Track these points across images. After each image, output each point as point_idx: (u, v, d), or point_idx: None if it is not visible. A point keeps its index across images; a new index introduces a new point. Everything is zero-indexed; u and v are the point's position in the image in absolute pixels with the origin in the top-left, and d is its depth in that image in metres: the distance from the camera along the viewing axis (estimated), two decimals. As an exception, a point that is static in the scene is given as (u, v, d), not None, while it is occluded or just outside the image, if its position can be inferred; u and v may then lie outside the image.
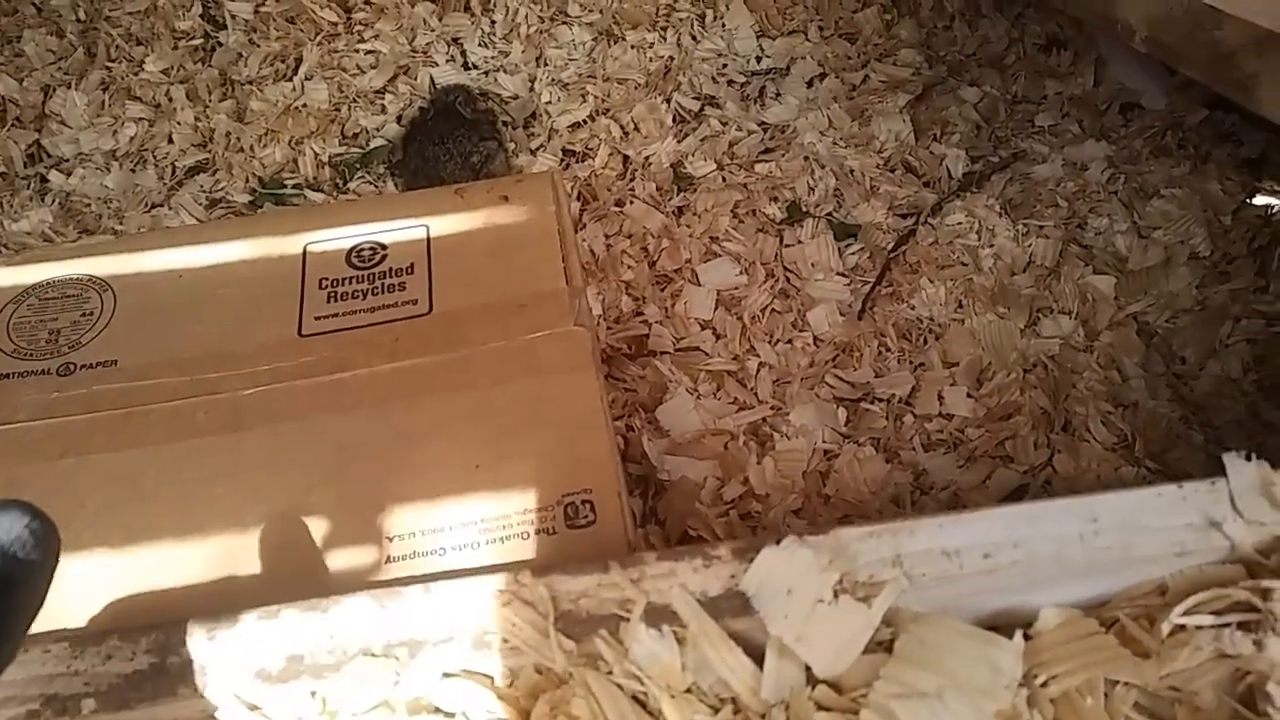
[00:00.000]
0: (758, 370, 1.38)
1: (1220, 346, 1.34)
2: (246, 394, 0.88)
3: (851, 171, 1.67)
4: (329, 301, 0.98)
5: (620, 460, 0.89)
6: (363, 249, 1.02)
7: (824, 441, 1.25)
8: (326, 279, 0.99)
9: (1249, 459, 0.63)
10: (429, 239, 1.03)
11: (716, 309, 1.46)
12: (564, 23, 1.97)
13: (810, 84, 1.88)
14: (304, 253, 1.01)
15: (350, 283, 0.99)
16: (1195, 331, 1.35)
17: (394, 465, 0.84)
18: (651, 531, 1.18)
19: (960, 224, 1.53)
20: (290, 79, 1.75)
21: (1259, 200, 1.49)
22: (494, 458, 0.84)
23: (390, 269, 1.00)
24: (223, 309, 0.96)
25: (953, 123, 1.76)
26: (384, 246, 1.02)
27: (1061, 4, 1.51)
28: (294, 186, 1.60)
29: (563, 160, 1.70)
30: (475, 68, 1.86)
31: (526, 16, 1.96)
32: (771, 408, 1.32)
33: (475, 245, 1.03)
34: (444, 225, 1.05)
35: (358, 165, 1.63)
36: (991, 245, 1.49)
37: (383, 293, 0.98)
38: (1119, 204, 1.53)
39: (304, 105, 1.70)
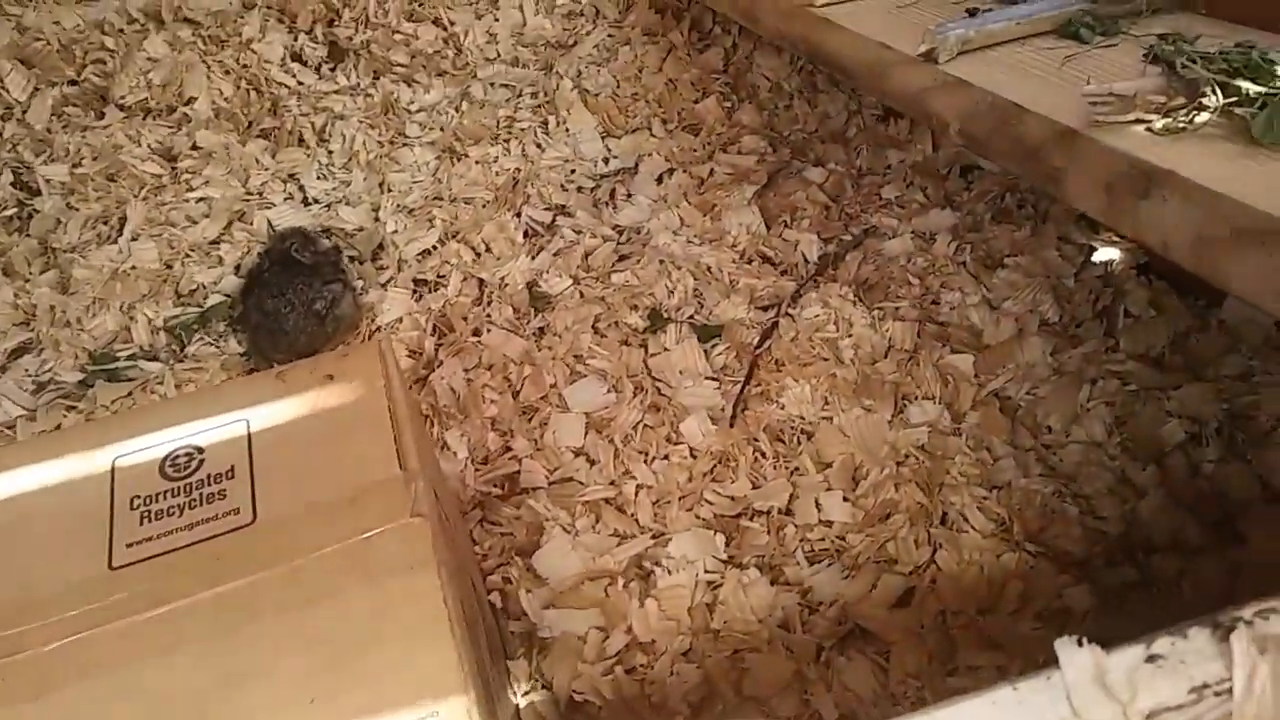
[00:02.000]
0: (636, 493, 1.34)
1: (1082, 412, 1.36)
2: (50, 650, 0.79)
3: (709, 269, 1.66)
4: (142, 523, 0.89)
5: (478, 660, 0.83)
6: (177, 456, 0.94)
7: (706, 571, 1.21)
8: (139, 497, 0.91)
9: (1080, 644, 0.60)
10: (249, 435, 0.96)
11: (587, 433, 1.42)
12: (404, 145, 1.93)
13: (660, 180, 1.88)
14: (112, 469, 0.93)
15: (165, 498, 0.91)
16: (1056, 400, 1.37)
17: (219, 716, 0.76)
18: (540, 700, 1.11)
19: (818, 316, 1.52)
20: (115, 240, 1.66)
21: (1098, 258, 1.53)
22: (330, 689, 0.77)
23: (209, 475, 0.93)
24: (23, 550, 0.87)
25: (801, 207, 1.77)
26: (200, 450, 0.95)
27: (881, 97, 1.54)
28: (128, 358, 1.50)
29: (415, 292, 1.64)
30: (316, 202, 1.80)
31: (364, 143, 1.91)
32: (652, 536, 1.27)
33: (300, 436, 0.96)
34: (265, 416, 0.98)
35: (195, 327, 1.55)
36: (850, 335, 1.49)
37: (201, 504, 0.91)
38: (968, 275, 1.55)
39: (133, 268, 1.62)
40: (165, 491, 0.94)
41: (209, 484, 0.95)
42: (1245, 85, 0.96)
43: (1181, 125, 0.97)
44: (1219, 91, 0.96)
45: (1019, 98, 1.11)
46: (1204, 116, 0.96)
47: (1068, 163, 1.04)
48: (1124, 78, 1.08)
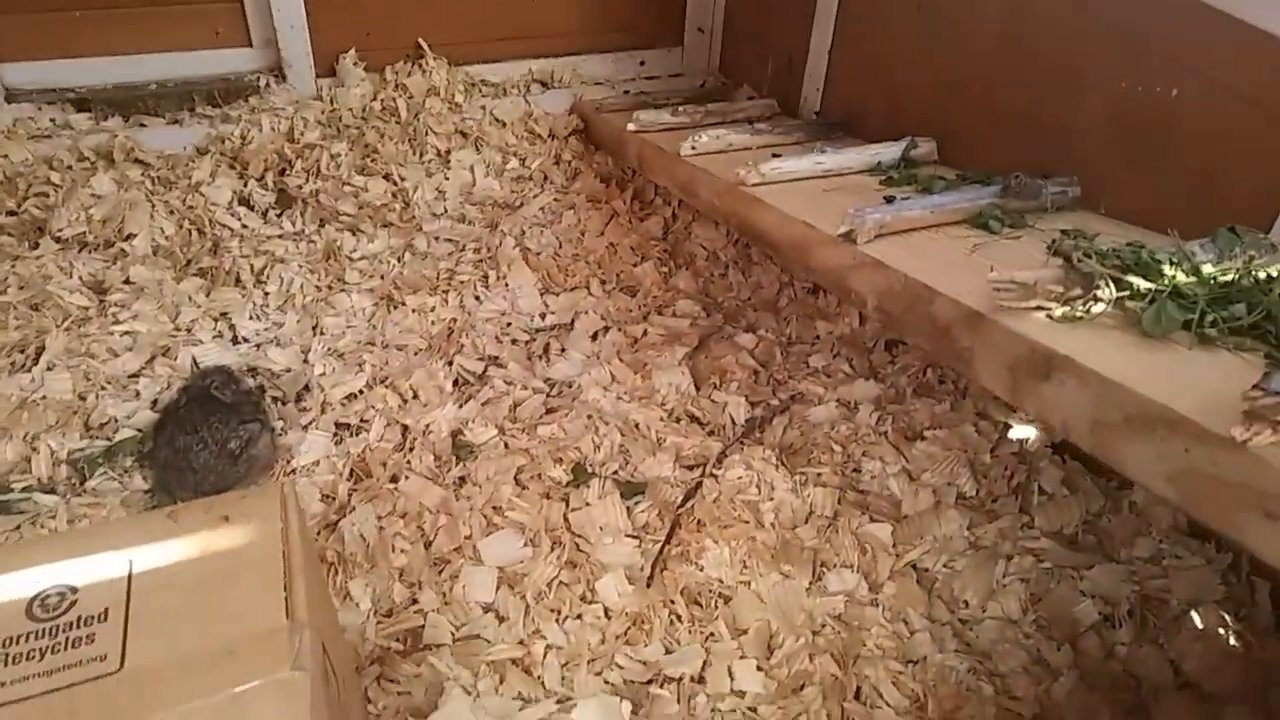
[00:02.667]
0: (544, 654, 1.28)
1: (998, 587, 1.36)
2: None
3: (637, 425, 1.67)
4: (1, 666, 0.83)
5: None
6: (48, 596, 0.89)
7: (611, 742, 1.15)
8: (0, 639, 0.85)
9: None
10: (130, 576, 0.91)
11: (499, 589, 1.37)
12: (342, 290, 1.94)
13: (595, 337, 1.91)
14: (-25, 608, 0.87)
15: (27, 640, 0.85)
16: (972, 574, 1.37)
17: None
18: None
19: (741, 478, 1.52)
20: (29, 369, 1.62)
21: (1014, 434, 1.58)
22: None
23: (79, 618, 0.87)
24: None
25: (731, 370, 1.80)
26: (74, 590, 0.89)
27: (805, 272, 1.61)
28: (23, 490, 1.44)
29: (335, 435, 1.61)
30: (245, 341, 1.79)
31: (302, 286, 1.92)
32: (557, 701, 1.21)
33: (185, 579, 0.92)
34: (150, 557, 0.93)
35: (100, 460, 1.49)
36: (772, 498, 1.49)
37: (66, 649, 0.85)
38: (889, 445, 1.58)
39: (43, 398, 1.57)
40: (30, 633, 0.88)
41: (77, 627, 0.89)
42: (1136, 281, 1.03)
43: (1079, 314, 1.02)
44: (1112, 285, 1.02)
45: (930, 280, 1.17)
46: (1099, 307, 1.02)
47: (974, 343, 1.08)
48: (1027, 267, 1.14)
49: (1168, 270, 1.04)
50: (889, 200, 1.41)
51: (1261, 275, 1.05)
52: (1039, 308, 1.05)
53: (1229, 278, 1.05)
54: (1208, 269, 1.06)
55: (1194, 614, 1.31)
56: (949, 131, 1.75)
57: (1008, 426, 1.59)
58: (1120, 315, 1.03)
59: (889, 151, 1.71)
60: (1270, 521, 0.78)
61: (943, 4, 1.77)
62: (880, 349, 1.88)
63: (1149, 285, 1.03)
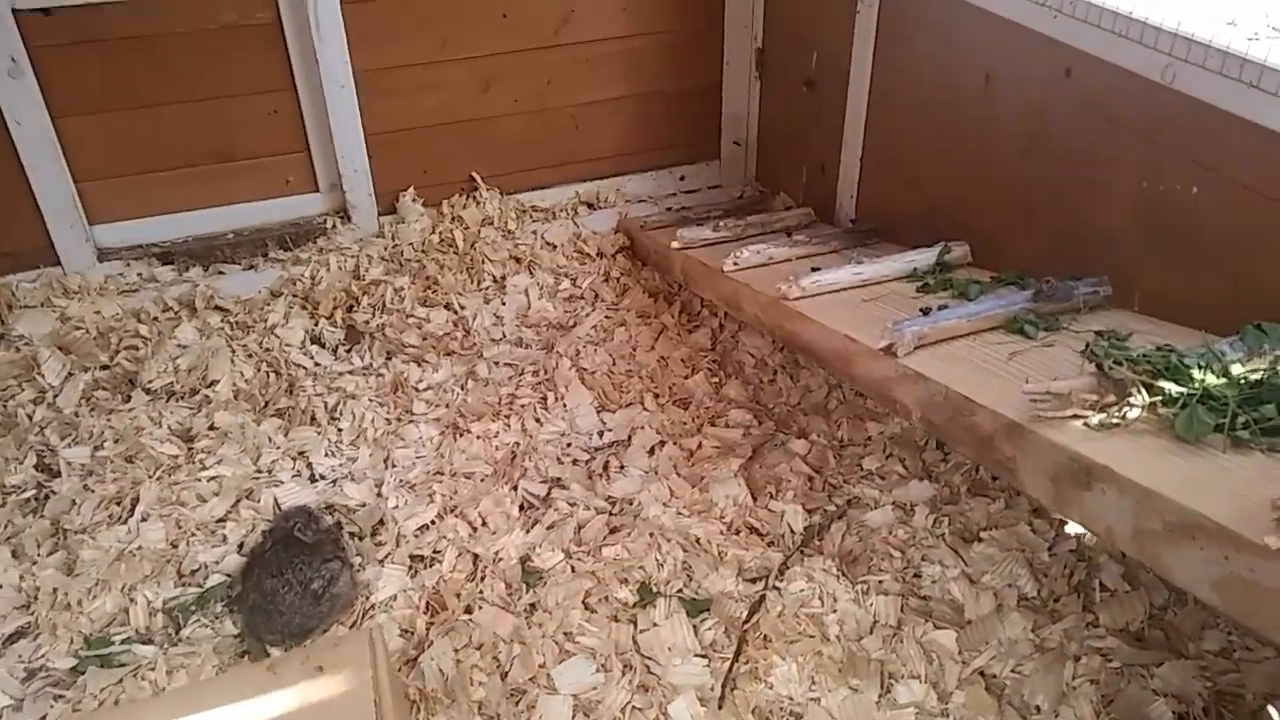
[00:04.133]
0: (626, 786, 1.31)
1: (1068, 690, 1.36)
2: None
3: (698, 540, 1.71)
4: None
5: None
6: (160, 757, 0.96)
7: None
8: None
9: None
10: (234, 733, 0.98)
11: (575, 717, 1.41)
12: (410, 422, 2.04)
13: (651, 452, 1.96)
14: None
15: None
16: (1041, 678, 1.37)
17: None
18: None
19: (803, 591, 1.55)
20: (125, 521, 1.73)
21: (1071, 530, 1.58)
22: None
23: (189, 782, 0.94)
24: None
25: (786, 478, 1.84)
26: (184, 749, 0.96)
27: (850, 382, 1.66)
28: (122, 642, 1.52)
29: (410, 568, 1.68)
30: (322, 478, 1.88)
31: (373, 420, 2.03)
32: (639, 832, 1.24)
33: (284, 733, 0.98)
34: (253, 712, 1.00)
35: (193, 608, 1.58)
36: (835, 610, 1.51)
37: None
38: (947, 548, 1.60)
39: (139, 548, 1.67)
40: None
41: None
42: (1167, 386, 1.06)
43: (1114, 421, 1.06)
44: (1144, 391, 1.05)
45: (970, 391, 1.21)
46: (1134, 413, 1.05)
47: (1016, 453, 1.12)
48: (1063, 374, 1.18)
49: (1197, 373, 1.07)
50: (925, 311, 1.46)
51: (1291, 375, 1.07)
52: (1075, 416, 1.09)
53: (1258, 376, 1.07)
54: (1237, 369, 1.09)
55: (1271, 709, 1.29)
56: (981, 233, 1.81)
57: (1064, 523, 1.60)
58: (1155, 420, 1.06)
59: (924, 257, 1.77)
60: (1314, 633, 0.79)
61: (967, 110, 1.85)
62: (932, 447, 1.90)
63: (1179, 390, 1.06)
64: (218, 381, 2.06)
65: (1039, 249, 1.70)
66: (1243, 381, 1.07)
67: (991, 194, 1.81)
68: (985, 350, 1.38)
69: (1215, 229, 1.37)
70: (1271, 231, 1.29)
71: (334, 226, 2.50)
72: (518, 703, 1.42)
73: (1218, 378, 1.08)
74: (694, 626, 1.53)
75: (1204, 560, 0.88)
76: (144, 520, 1.72)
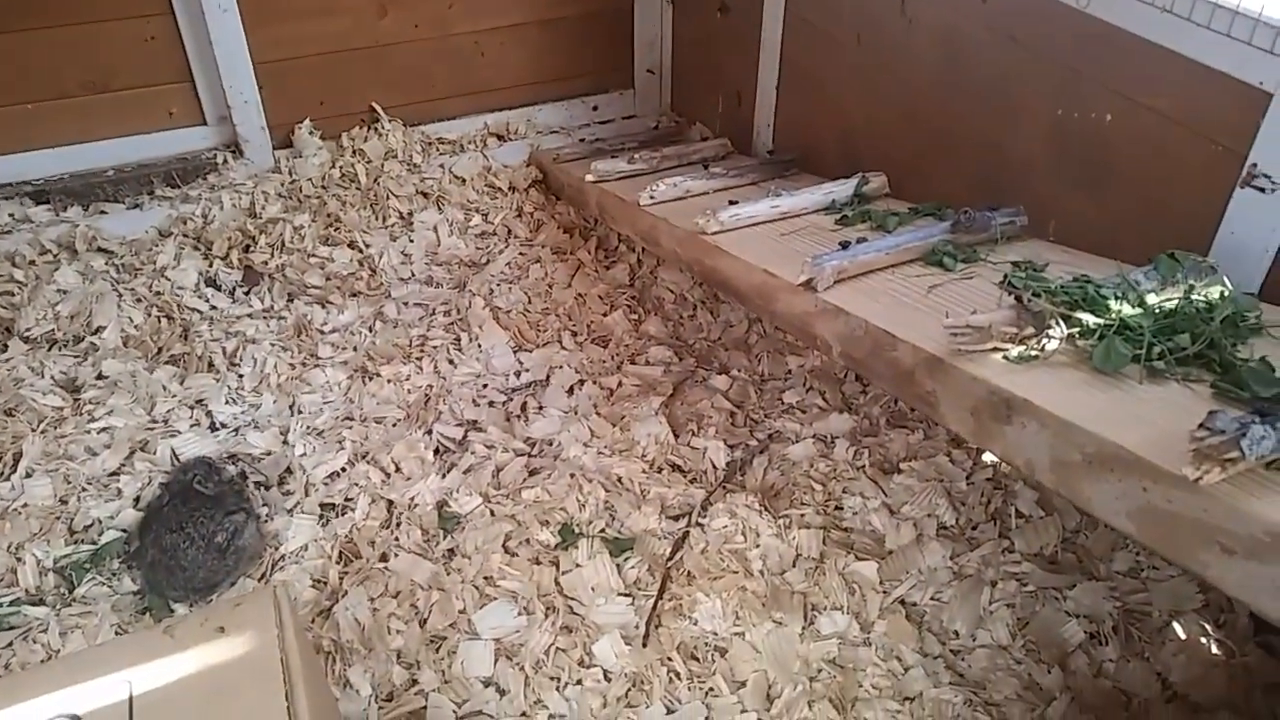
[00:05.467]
0: (549, 725, 1.30)
1: (985, 614, 1.39)
2: None
3: (619, 480, 1.69)
4: (3, 812, 0.84)
5: None
6: (51, 729, 0.89)
7: (619, 813, 1.17)
8: (1, 782, 0.86)
9: None
10: (131, 699, 0.92)
11: (497, 661, 1.38)
12: (316, 366, 1.95)
13: (570, 391, 1.92)
14: (-24, 748, 0.87)
15: (34, 778, 0.86)
16: (959, 605, 1.39)
17: None
18: None
19: (726, 527, 1.55)
20: (8, 477, 1.61)
21: (987, 459, 1.61)
22: None
23: (81, 751, 0.88)
24: None
25: (707, 415, 1.83)
26: (77, 718, 0.90)
27: (770, 318, 1.64)
28: (11, 604, 1.43)
29: (321, 516, 1.62)
30: (223, 427, 1.79)
31: (276, 366, 1.93)
32: (565, 775, 1.23)
33: (186, 697, 0.93)
34: (150, 677, 0.94)
35: (87, 566, 1.49)
36: (758, 545, 1.51)
37: (73, 783, 0.86)
38: (867, 480, 1.61)
39: (24, 505, 1.57)
40: (36, 770, 0.89)
41: (83, 759, 0.89)
42: (1085, 317, 1.06)
43: (1033, 354, 1.05)
44: (1062, 323, 1.05)
45: (890, 325, 1.20)
46: (1052, 345, 1.05)
47: (937, 387, 1.11)
48: (982, 307, 1.17)
49: (1114, 304, 1.07)
50: (845, 245, 1.43)
51: (1202, 302, 1.08)
52: (995, 349, 1.08)
53: (1172, 306, 1.08)
54: (1151, 298, 1.10)
55: (1176, 625, 1.34)
56: (899, 163, 1.79)
57: (981, 453, 1.62)
58: (1073, 352, 1.07)
59: (841, 189, 1.75)
60: (1227, 556, 0.81)
61: (881, 38, 1.82)
62: (851, 380, 1.91)
63: (1097, 321, 1.06)
64: (104, 328, 1.93)
65: (956, 179, 1.69)
66: (1157, 311, 1.08)
67: (909, 122, 1.79)
68: (905, 283, 1.36)
69: (1129, 157, 1.38)
70: (1184, 159, 1.30)
71: (225, 162, 2.34)
72: (438, 649, 1.39)
73: (1133, 308, 1.08)
74: (617, 566, 1.51)
75: (1122, 491, 0.89)
76: (28, 476, 1.61)
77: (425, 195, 2.39)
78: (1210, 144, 1.26)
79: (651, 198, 1.91)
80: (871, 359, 1.23)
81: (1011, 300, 1.12)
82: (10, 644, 1.38)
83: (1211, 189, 1.26)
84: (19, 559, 1.50)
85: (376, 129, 2.45)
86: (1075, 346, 1.06)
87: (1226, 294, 1.12)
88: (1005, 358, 1.07)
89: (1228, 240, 1.25)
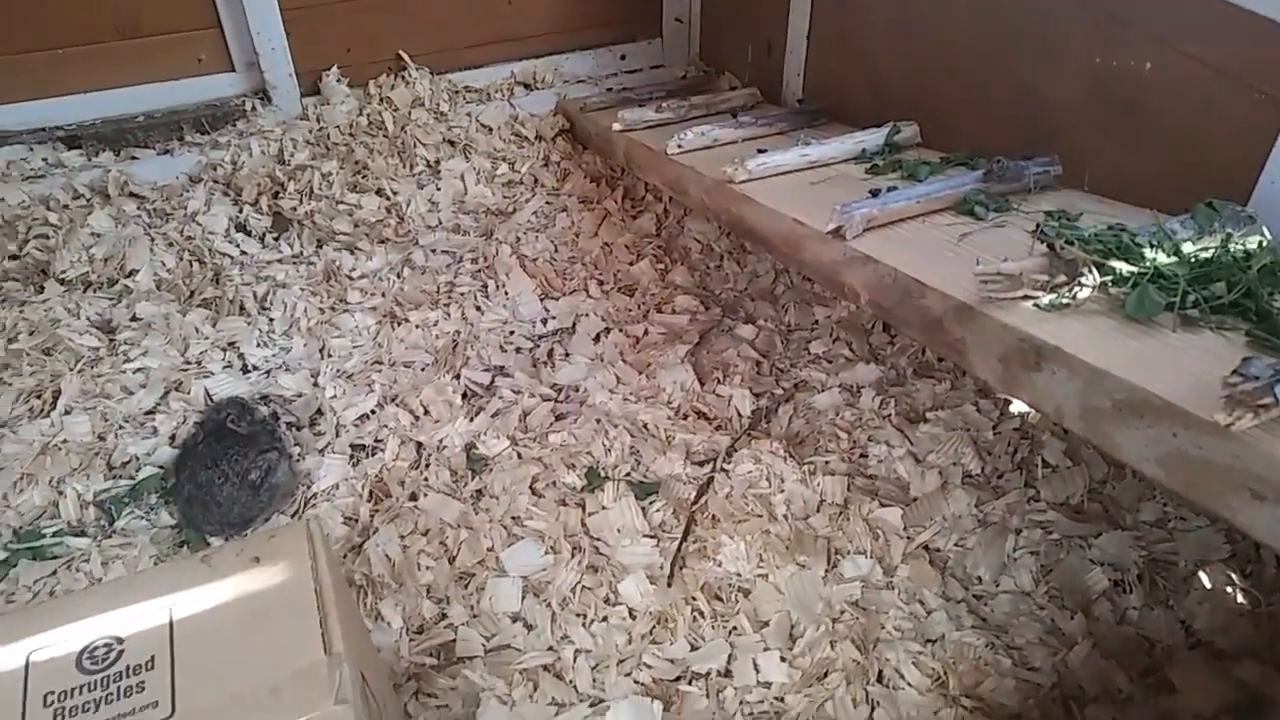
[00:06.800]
0: (574, 658, 1.32)
1: (1009, 562, 1.40)
2: None
3: (645, 425, 1.70)
4: (56, 720, 0.87)
5: None
6: (96, 648, 0.92)
7: (644, 743, 1.19)
8: (53, 693, 0.89)
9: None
10: (172, 623, 0.95)
11: (525, 598, 1.41)
12: (345, 311, 1.97)
13: (597, 339, 1.94)
14: (26, 665, 0.91)
15: (80, 693, 0.89)
16: (984, 551, 1.40)
17: None
18: None
19: (751, 472, 1.56)
20: (48, 414, 1.65)
21: (1015, 409, 1.61)
22: None
23: (127, 667, 0.91)
24: (-73, 756, 0.84)
25: (734, 363, 1.83)
26: (120, 640, 0.93)
27: (798, 267, 1.64)
28: (54, 535, 1.47)
29: (352, 456, 1.65)
30: (255, 369, 1.82)
31: (306, 310, 1.95)
32: (590, 704, 1.26)
33: (224, 622, 0.96)
34: (189, 603, 0.97)
35: (126, 500, 1.53)
36: (783, 490, 1.52)
37: (119, 699, 0.89)
38: (894, 429, 1.61)
39: (64, 441, 1.60)
40: (81, 686, 0.92)
41: (127, 676, 0.93)
42: (1119, 265, 1.05)
43: (1065, 302, 1.05)
44: (1096, 271, 1.04)
45: (919, 273, 1.20)
46: (1085, 293, 1.05)
47: (966, 335, 1.11)
48: (1013, 255, 1.17)
49: (1148, 253, 1.06)
50: (875, 193, 1.43)
51: (1239, 251, 1.07)
52: (1026, 297, 1.08)
53: (1209, 255, 1.07)
54: (1188, 247, 1.09)
55: (1202, 574, 1.35)
56: (931, 113, 1.77)
57: (1008, 403, 1.62)
58: (1106, 300, 1.06)
59: (872, 138, 1.73)
60: (1258, 502, 0.81)
61: (917, -16, 1.79)
62: (879, 330, 1.90)
63: (1131, 269, 1.05)
64: (137, 271, 1.95)
65: (989, 128, 1.67)
66: (1193, 260, 1.07)
67: (943, 71, 1.77)
68: (935, 232, 1.36)
69: (1168, 106, 1.36)
70: (1225, 108, 1.28)
71: (254, 108, 2.35)
72: (466, 585, 1.42)
73: (1169, 256, 1.07)
74: (642, 508, 1.53)
75: (1151, 438, 0.89)
76: (67, 413, 1.65)
77: (452, 144, 2.39)
78: (1253, 92, 1.24)
79: (679, 146, 1.90)
80: (900, 307, 1.23)
81: (1044, 248, 1.11)
82: (55, 572, 1.42)
83: (1253, 138, 1.24)
84: (60, 493, 1.54)
85: (404, 77, 2.45)
86: (1108, 295, 1.06)
87: (1265, 243, 1.11)
88: (1036, 305, 1.06)
89: (1268, 190, 1.23)
